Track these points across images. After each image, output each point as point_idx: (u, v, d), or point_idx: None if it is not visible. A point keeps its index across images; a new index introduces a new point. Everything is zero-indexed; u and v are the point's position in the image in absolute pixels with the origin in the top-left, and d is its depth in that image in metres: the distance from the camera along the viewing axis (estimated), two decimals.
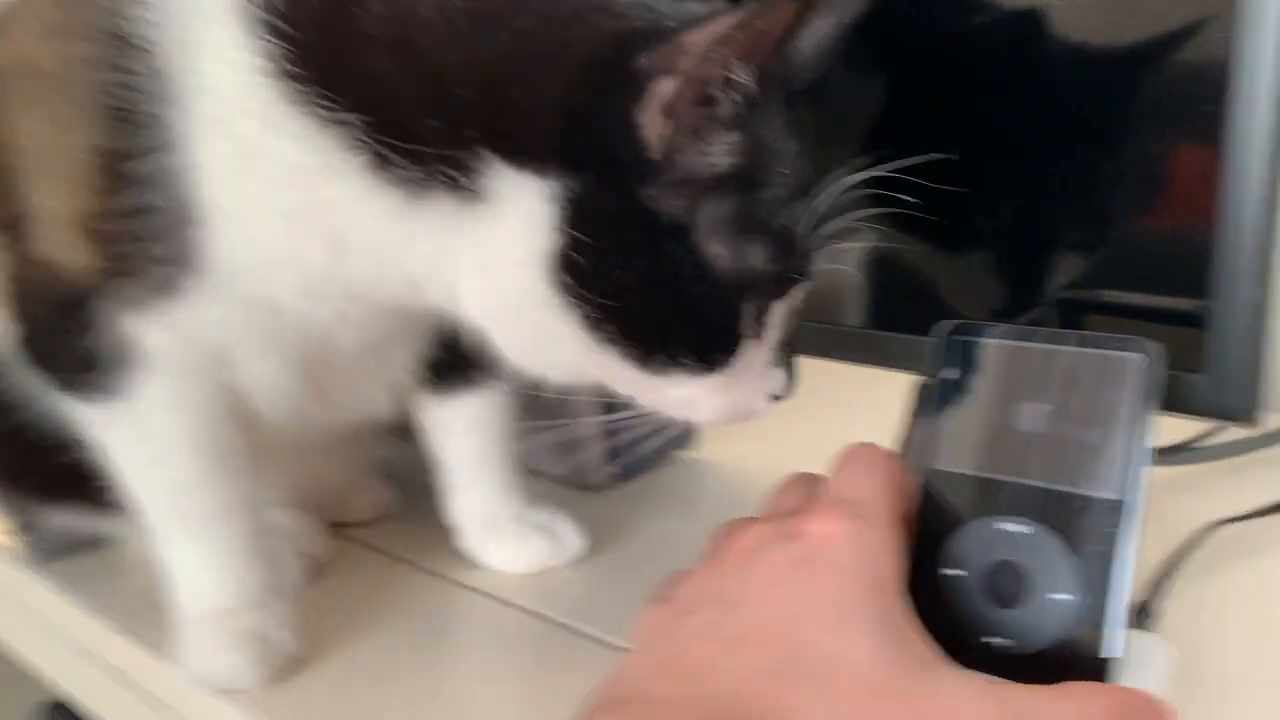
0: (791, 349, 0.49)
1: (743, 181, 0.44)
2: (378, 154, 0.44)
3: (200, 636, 0.53)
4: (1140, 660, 0.41)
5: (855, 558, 0.38)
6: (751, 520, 0.44)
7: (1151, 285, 0.51)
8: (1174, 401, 0.47)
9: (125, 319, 0.49)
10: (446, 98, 0.43)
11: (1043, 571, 0.40)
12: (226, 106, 0.45)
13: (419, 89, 0.43)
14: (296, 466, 0.66)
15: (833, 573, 0.38)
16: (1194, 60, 0.47)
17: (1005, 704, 0.35)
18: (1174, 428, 0.71)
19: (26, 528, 0.66)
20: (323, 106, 0.44)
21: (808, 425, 0.56)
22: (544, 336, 0.47)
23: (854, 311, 0.60)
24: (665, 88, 0.42)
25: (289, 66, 0.44)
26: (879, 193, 0.47)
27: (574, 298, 0.44)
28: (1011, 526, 0.41)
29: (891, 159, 0.47)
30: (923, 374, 0.45)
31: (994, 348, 0.44)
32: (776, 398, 0.49)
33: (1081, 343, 0.42)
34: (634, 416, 0.51)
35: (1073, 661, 0.39)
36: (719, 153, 0.43)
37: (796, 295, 0.48)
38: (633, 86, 0.42)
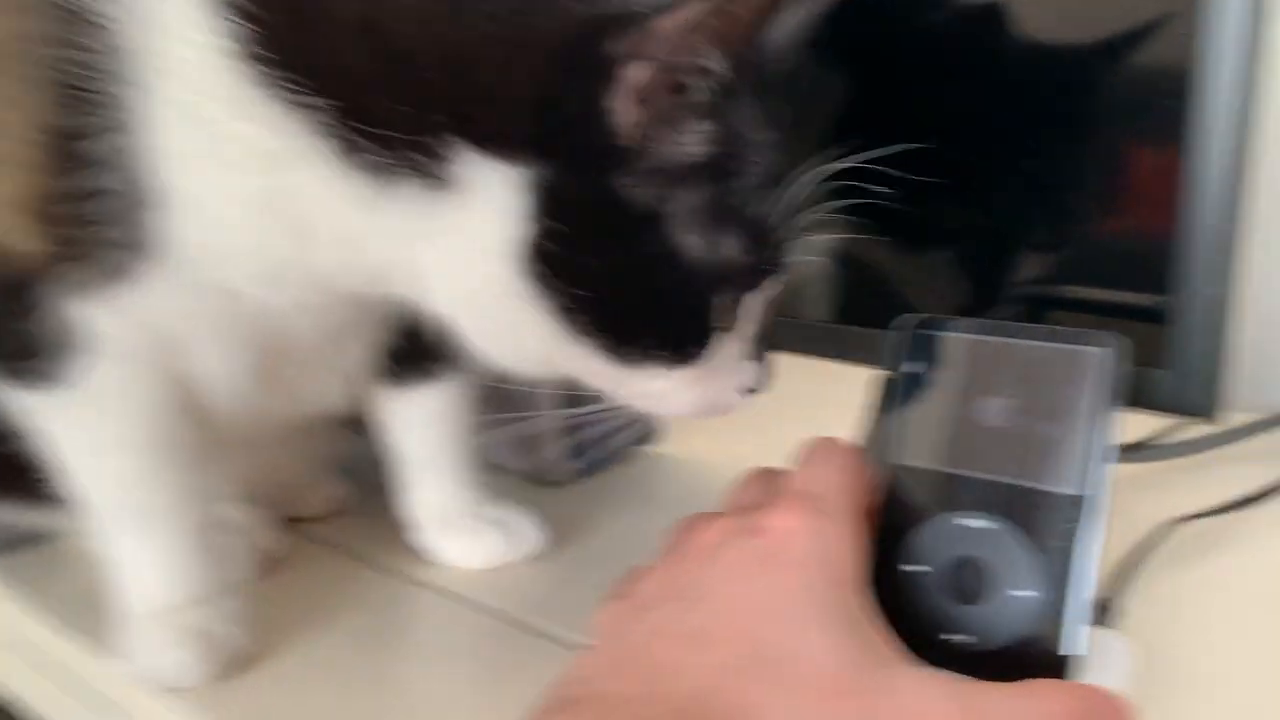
0: (766, 342, 0.49)
1: (716, 171, 0.43)
2: (345, 139, 0.43)
3: (146, 633, 0.51)
4: (1102, 657, 0.41)
5: (816, 552, 0.38)
6: (713, 515, 0.44)
7: (1115, 281, 0.51)
8: (1137, 397, 0.47)
9: (74, 304, 0.47)
10: (415, 83, 0.42)
11: (1004, 568, 0.40)
12: (188, 87, 0.43)
13: (388, 73, 0.43)
14: (249, 459, 0.64)
15: (794, 568, 0.38)
16: (1157, 57, 0.47)
17: (966, 702, 0.35)
18: (1136, 424, 0.71)
19: None
20: (290, 90, 0.43)
21: (771, 420, 0.56)
22: (514, 327, 0.46)
23: (818, 305, 0.59)
24: (637, 74, 0.41)
25: (255, 48, 0.43)
26: (845, 185, 0.47)
27: (545, 288, 0.43)
28: (973, 522, 0.41)
29: (858, 151, 0.46)
30: (886, 368, 0.44)
31: (956, 341, 0.44)
32: (751, 391, 0.49)
33: (1044, 337, 0.42)
34: (597, 411, 0.51)
35: (1034, 658, 0.38)
36: (692, 141, 0.42)
37: (771, 287, 0.47)
38: (604, 72, 0.41)
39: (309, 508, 0.70)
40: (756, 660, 0.35)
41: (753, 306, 0.47)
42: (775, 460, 0.45)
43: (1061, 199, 0.52)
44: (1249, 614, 0.55)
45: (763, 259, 0.45)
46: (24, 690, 0.64)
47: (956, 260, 0.56)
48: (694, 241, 0.43)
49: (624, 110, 0.42)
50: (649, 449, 0.79)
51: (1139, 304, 0.49)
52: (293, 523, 0.69)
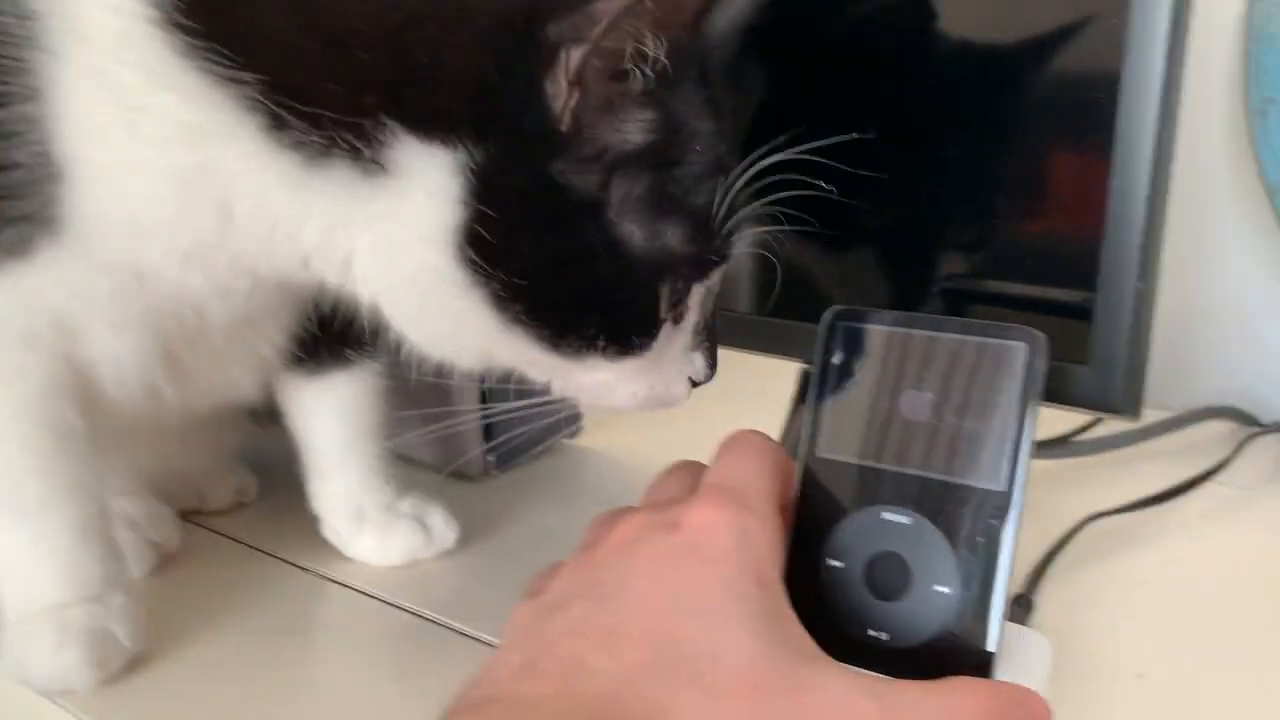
0: (711, 333, 0.48)
1: (657, 159, 0.42)
2: (273, 116, 0.41)
3: (28, 633, 0.48)
4: (1020, 654, 0.41)
5: (735, 547, 0.37)
6: (630, 510, 0.43)
7: (1038, 277, 0.51)
8: (1058, 393, 0.47)
9: None
10: (348, 59, 0.41)
11: (925, 563, 0.39)
12: (106, 55, 0.42)
13: (319, 48, 0.41)
14: (149, 451, 0.62)
15: (712, 564, 0.37)
16: (1085, 58, 0.48)
17: (884, 700, 0.35)
18: (1055, 420, 0.72)
19: None
20: (214, 62, 0.41)
21: (695, 414, 0.55)
22: (450, 317, 0.45)
23: (743, 298, 0.59)
24: (574, 56, 0.40)
25: (178, 16, 0.41)
26: (771, 178, 0.46)
27: (481, 275, 0.42)
28: (894, 517, 0.40)
29: (785, 144, 0.46)
30: (809, 361, 0.44)
31: (879, 334, 0.43)
32: (696, 384, 0.48)
33: (966, 330, 0.42)
34: (516, 404, 0.49)
35: (955, 655, 0.38)
36: (632, 129, 0.42)
37: (714, 278, 0.46)
38: (542, 54, 0.40)
39: (213, 501, 0.68)
40: (672, 659, 0.35)
41: (698, 297, 0.46)
42: (700, 455, 0.44)
43: (988, 196, 0.52)
44: (1161, 610, 0.55)
45: (707, 249, 0.44)
46: None
47: (882, 255, 0.56)
48: (635, 230, 0.43)
49: (560, 93, 0.41)
50: (570, 442, 0.78)
51: (1062, 300, 0.49)
52: (196, 516, 0.66)
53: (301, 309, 0.56)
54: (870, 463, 0.42)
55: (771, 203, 0.47)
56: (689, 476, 0.43)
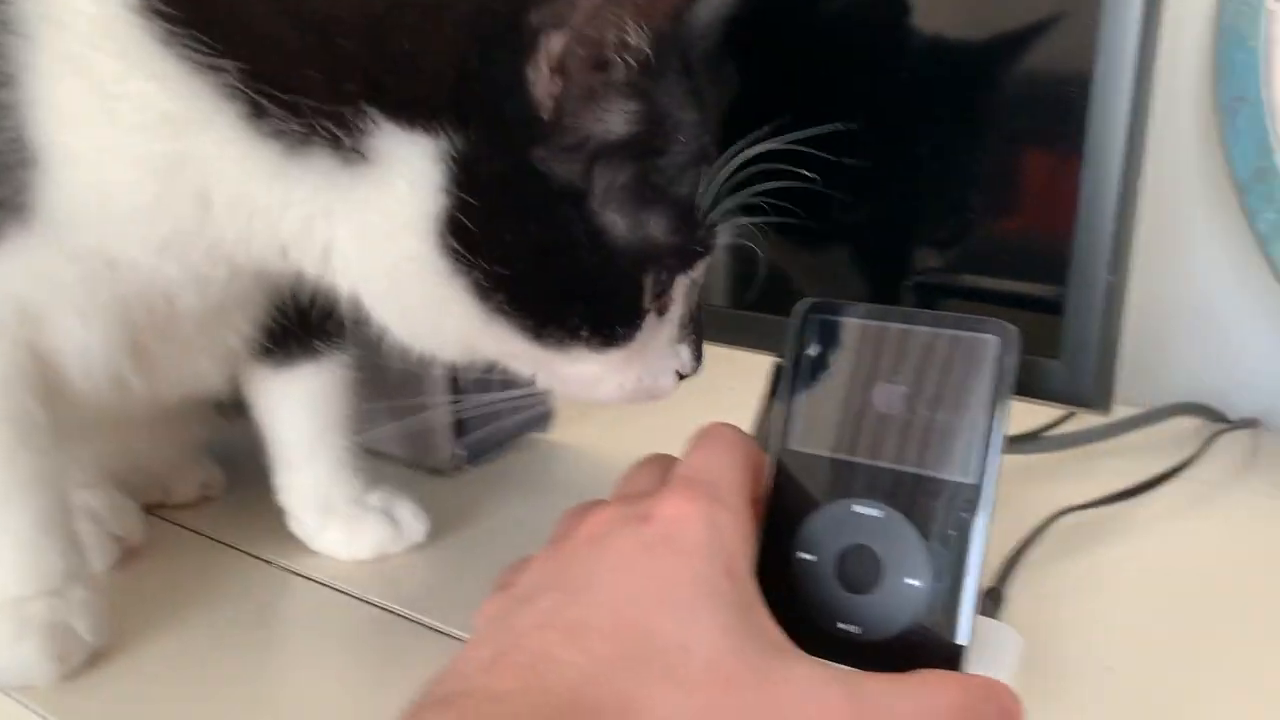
0: (697, 325, 0.48)
1: (641, 149, 0.42)
2: (252, 104, 0.41)
3: None
4: (991, 647, 0.41)
5: (706, 540, 0.37)
6: (600, 503, 0.43)
7: (1010, 271, 0.51)
8: (1030, 387, 0.47)
9: None
10: (329, 47, 0.41)
11: (896, 556, 0.39)
12: (83, 41, 0.41)
13: (300, 37, 0.41)
14: (113, 442, 0.61)
15: (683, 556, 0.37)
16: (1057, 51, 0.48)
17: (855, 693, 0.35)
18: (1025, 415, 0.72)
19: None
20: (195, 50, 0.40)
21: (666, 406, 0.54)
22: (432, 307, 0.44)
23: (716, 291, 0.59)
24: (555, 43, 0.40)
25: (158, 4, 0.40)
26: (755, 170, 0.46)
27: (462, 264, 0.42)
28: (865, 510, 0.40)
29: (760, 137, 0.46)
30: (782, 354, 0.44)
31: (851, 326, 0.43)
32: (683, 376, 0.48)
33: (938, 323, 0.42)
34: (488, 397, 0.49)
35: (925, 648, 0.38)
36: (615, 119, 0.42)
37: (699, 269, 0.46)
38: (523, 40, 0.40)
39: (178, 494, 0.67)
40: (642, 652, 0.34)
41: (683, 289, 0.46)
42: (672, 448, 0.44)
43: (961, 190, 0.52)
44: (1130, 604, 0.55)
45: (691, 240, 0.44)
46: None
47: (855, 248, 0.56)
48: (617, 220, 0.42)
49: (541, 80, 0.40)
50: (541, 436, 0.78)
51: (1033, 294, 0.49)
52: (161, 509, 0.66)
53: (272, 300, 0.55)
54: (842, 455, 0.41)
55: (751, 195, 0.47)
56: (660, 470, 0.43)
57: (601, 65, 0.40)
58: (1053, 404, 0.49)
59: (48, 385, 0.48)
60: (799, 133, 0.46)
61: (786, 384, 0.44)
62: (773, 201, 0.46)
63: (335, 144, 0.41)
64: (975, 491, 0.39)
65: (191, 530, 0.64)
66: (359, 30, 0.40)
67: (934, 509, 0.39)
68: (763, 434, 0.43)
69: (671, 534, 0.37)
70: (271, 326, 0.57)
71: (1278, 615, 0.54)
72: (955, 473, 0.39)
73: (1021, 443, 0.72)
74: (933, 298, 0.53)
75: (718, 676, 0.34)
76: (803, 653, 0.36)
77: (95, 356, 0.49)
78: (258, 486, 0.62)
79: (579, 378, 0.46)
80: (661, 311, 0.46)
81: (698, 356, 0.48)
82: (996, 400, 0.39)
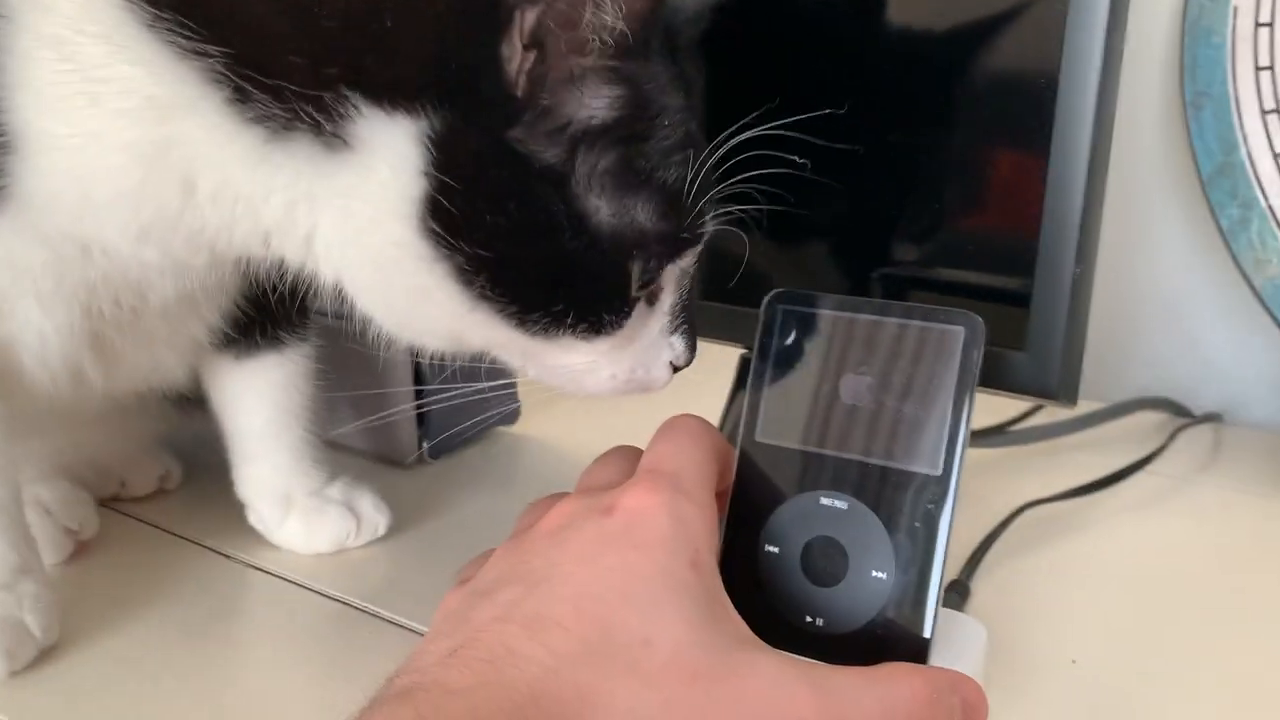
0: (689, 315, 0.47)
1: (625, 134, 0.42)
2: (237, 89, 0.40)
3: None
4: (956, 640, 0.41)
5: (670, 533, 0.36)
6: (563, 495, 0.42)
7: (978, 263, 0.51)
8: (996, 379, 0.47)
9: None
10: (312, 29, 0.40)
11: (862, 549, 0.39)
12: (67, 25, 0.40)
13: (283, 20, 0.40)
14: (66, 434, 0.60)
15: (646, 549, 0.36)
16: (1024, 45, 0.48)
17: (819, 686, 0.35)
18: (989, 410, 0.72)
19: None
20: (180, 35, 0.40)
21: (632, 400, 0.54)
22: (416, 295, 0.43)
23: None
24: (528, 18, 0.39)
25: None
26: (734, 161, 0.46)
27: (444, 248, 0.41)
28: (831, 502, 0.40)
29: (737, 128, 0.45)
30: (749, 346, 0.43)
31: (818, 318, 0.43)
32: (677, 368, 0.47)
33: (904, 314, 0.41)
34: (452, 389, 0.48)
35: (891, 641, 0.38)
36: (598, 104, 0.41)
37: (689, 258, 0.46)
38: (499, 17, 0.39)
39: (135, 487, 0.65)
40: (604, 646, 0.34)
41: (673, 277, 0.46)
42: (638, 441, 0.43)
43: (928, 183, 0.52)
44: (1095, 597, 0.56)
45: (678, 227, 0.43)
46: None
47: (823, 240, 0.56)
48: (601, 205, 0.42)
49: (515, 55, 0.40)
50: (506, 429, 0.77)
51: (1000, 286, 0.49)
52: (118, 502, 0.64)
53: (242, 289, 0.54)
54: (808, 447, 0.41)
55: (729, 185, 0.46)
56: (625, 462, 0.43)
57: (581, 48, 0.40)
58: (1019, 396, 0.49)
59: (4, 376, 0.47)
60: (766, 126, 0.45)
61: (753, 376, 0.43)
62: (745, 191, 0.46)
63: (317, 129, 0.41)
64: (941, 484, 0.39)
65: (148, 524, 0.63)
66: (341, 9, 0.40)
67: (900, 501, 0.39)
68: (730, 426, 0.42)
69: (634, 526, 0.37)
70: (238, 317, 0.56)
71: (1240, 607, 0.55)
72: (921, 465, 0.39)
73: (988, 436, 0.72)
74: (900, 289, 0.53)
75: (681, 670, 0.34)
76: (767, 646, 0.36)
77: (52, 346, 0.47)
78: (216, 479, 0.61)
79: (568, 368, 0.45)
80: (652, 300, 0.45)
81: (691, 347, 0.48)
82: (963, 391, 0.39)
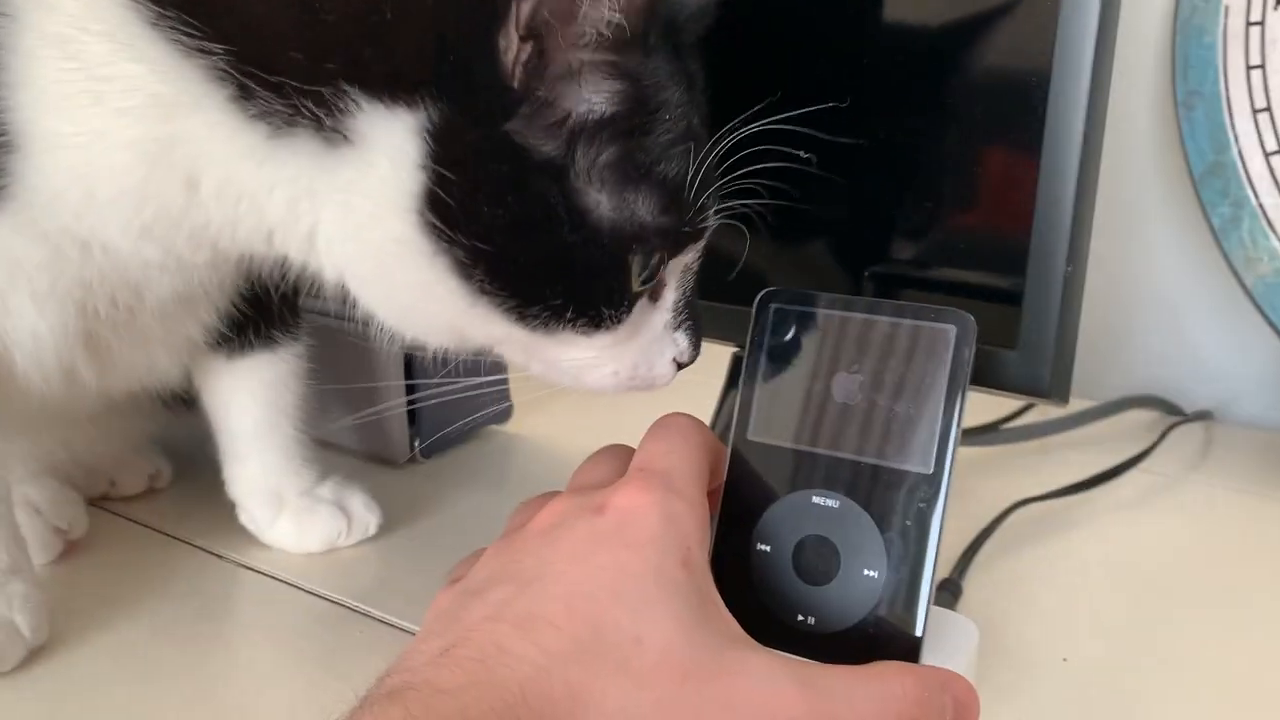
0: (693, 311, 0.47)
1: (625, 129, 0.41)
2: (240, 86, 0.40)
3: None
4: (947, 638, 0.40)
5: (661, 531, 0.36)
6: (555, 494, 0.42)
7: (970, 262, 0.51)
8: (988, 377, 0.47)
9: None
10: (313, 23, 0.40)
11: (854, 547, 0.39)
12: (72, 23, 0.40)
13: (285, 15, 0.40)
14: (56, 434, 0.60)
15: (636, 547, 0.36)
16: (1016, 44, 0.48)
17: (810, 685, 0.34)
18: (981, 408, 0.72)
19: None
20: (184, 32, 0.40)
21: (625, 398, 0.54)
22: (417, 290, 0.43)
23: None
24: (524, 9, 0.39)
25: None
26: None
27: (443, 241, 0.41)
28: (823, 500, 0.40)
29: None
30: (742, 344, 0.43)
31: (811, 317, 0.43)
32: (680, 364, 0.47)
33: (895, 313, 0.41)
34: (443, 387, 0.48)
35: (882, 639, 0.38)
36: (598, 98, 0.41)
37: (692, 253, 0.45)
38: (496, 8, 0.39)
39: (125, 486, 0.65)
40: (595, 644, 0.34)
41: (677, 273, 0.45)
42: (630, 440, 0.43)
43: (920, 181, 0.52)
44: (1086, 595, 0.56)
45: (680, 221, 0.43)
46: None
47: (815, 238, 0.55)
48: (601, 199, 0.42)
49: (511, 47, 0.40)
50: (498, 428, 0.77)
51: (992, 284, 0.49)
52: (108, 502, 0.64)
53: (240, 288, 0.54)
54: (800, 446, 0.41)
55: (725, 182, 0.46)
56: (616, 460, 0.43)
57: (579, 41, 0.40)
58: (1010, 394, 0.49)
59: None
60: (757, 125, 0.45)
61: (745, 374, 0.43)
62: (742, 187, 0.46)
63: (318, 125, 0.41)
64: (933, 482, 0.39)
65: (138, 523, 0.62)
66: (341, 3, 0.40)
67: (892, 500, 0.39)
68: (721, 425, 0.42)
69: (626, 525, 0.37)
70: (234, 316, 0.56)
71: (1231, 604, 0.55)
72: (913, 463, 0.39)
73: (979, 435, 0.72)
74: (892, 288, 0.53)
75: (672, 669, 0.33)
76: (758, 645, 0.36)
77: (46, 345, 0.47)
78: (206, 479, 0.61)
79: (570, 364, 0.45)
80: (654, 297, 0.45)
81: (696, 343, 0.47)
82: (954, 389, 0.39)
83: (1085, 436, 0.76)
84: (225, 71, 0.40)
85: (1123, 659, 0.49)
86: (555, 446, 0.76)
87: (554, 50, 0.40)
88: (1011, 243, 0.47)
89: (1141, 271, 0.88)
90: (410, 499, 0.64)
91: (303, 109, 0.41)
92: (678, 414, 0.43)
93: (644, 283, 0.44)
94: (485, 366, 0.52)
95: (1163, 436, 0.76)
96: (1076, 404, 0.74)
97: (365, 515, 0.60)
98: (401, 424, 0.69)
